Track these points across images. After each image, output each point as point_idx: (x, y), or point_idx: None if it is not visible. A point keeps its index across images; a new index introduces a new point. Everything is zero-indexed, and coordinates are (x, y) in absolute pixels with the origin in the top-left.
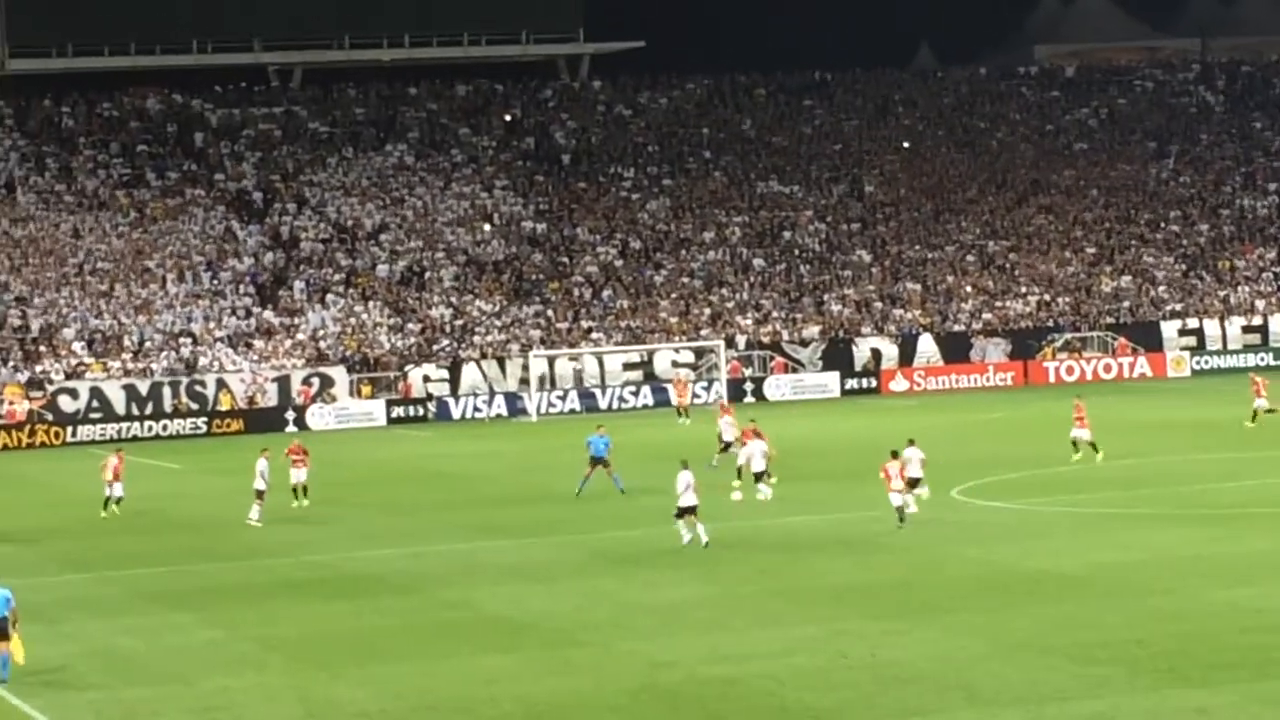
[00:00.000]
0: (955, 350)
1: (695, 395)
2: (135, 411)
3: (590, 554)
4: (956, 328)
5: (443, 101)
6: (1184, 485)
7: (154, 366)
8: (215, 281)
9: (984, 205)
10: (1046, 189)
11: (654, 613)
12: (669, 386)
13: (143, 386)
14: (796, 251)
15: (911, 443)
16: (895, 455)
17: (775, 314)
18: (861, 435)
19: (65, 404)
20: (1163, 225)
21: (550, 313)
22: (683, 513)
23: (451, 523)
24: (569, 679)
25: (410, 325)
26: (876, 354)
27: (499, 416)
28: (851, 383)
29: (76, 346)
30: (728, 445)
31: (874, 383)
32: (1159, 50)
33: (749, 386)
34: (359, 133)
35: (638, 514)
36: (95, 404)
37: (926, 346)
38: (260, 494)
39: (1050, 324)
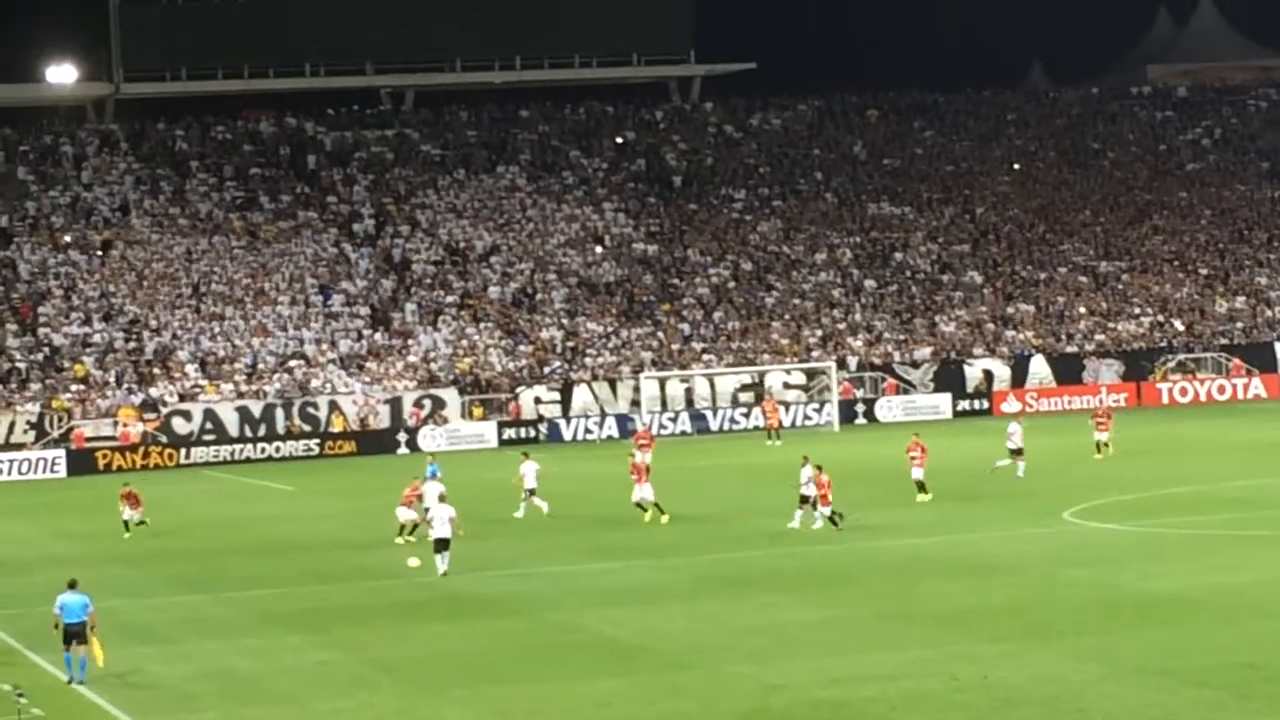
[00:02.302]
0: (1068, 371)
1: (807, 417)
2: (248, 433)
3: (700, 576)
4: (1069, 349)
5: (554, 123)
6: None
7: (267, 388)
8: (328, 304)
9: (1097, 226)
10: (1159, 209)
11: (765, 635)
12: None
13: (255, 408)
14: (908, 272)
15: (806, 460)
16: (820, 469)
17: (887, 335)
18: (974, 457)
19: (179, 426)
20: (1277, 245)
21: (661, 334)
22: (439, 546)
23: (562, 545)
24: (679, 702)
25: (522, 347)
26: (989, 375)
27: (610, 438)
28: (963, 404)
29: (190, 369)
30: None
31: (986, 404)
32: (1273, 69)
33: (860, 408)
34: (471, 155)
35: (748, 536)
36: (209, 426)
37: (1039, 368)
38: (407, 527)
39: (1164, 345)
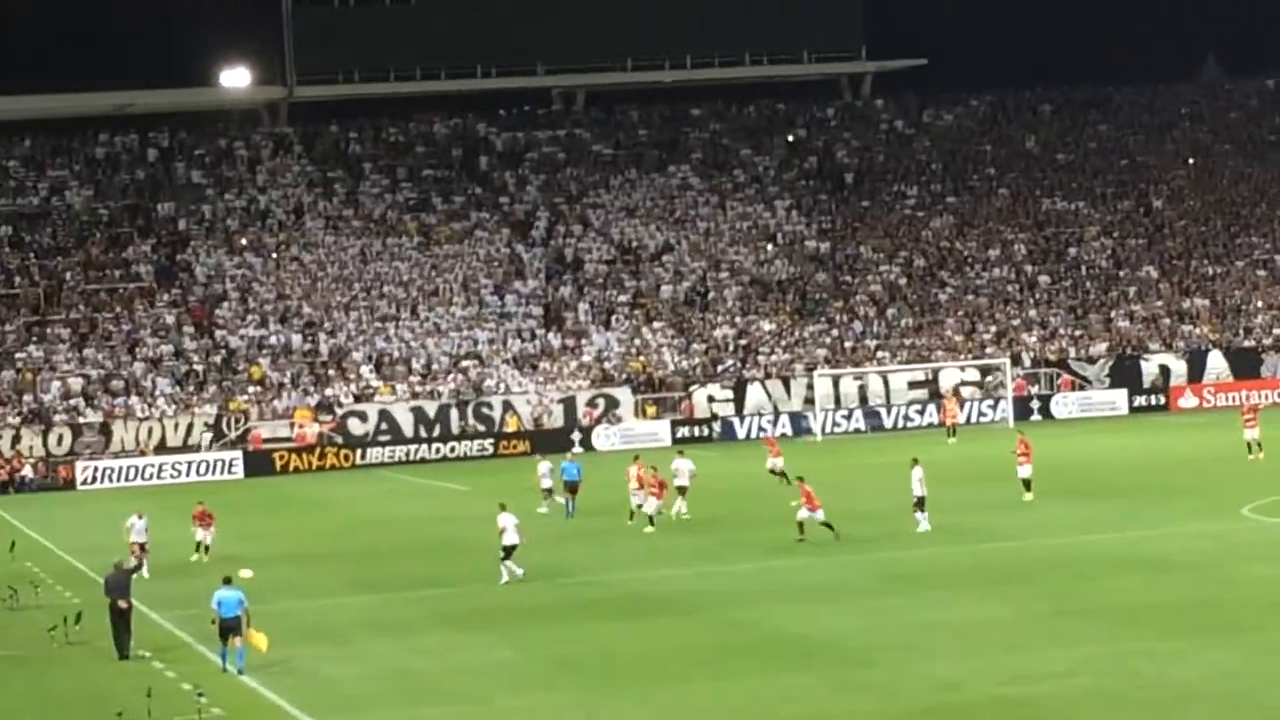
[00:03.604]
0: (1245, 366)
1: (981, 414)
2: (423, 433)
3: (879, 573)
4: (1246, 343)
5: (725, 122)
6: None
7: (441, 389)
8: (501, 304)
9: (1274, 219)
10: None
11: (944, 633)
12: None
13: (430, 409)
14: (1082, 268)
15: (916, 462)
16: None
17: (1061, 331)
18: (1151, 453)
19: (354, 426)
20: None
21: (835, 332)
22: (509, 553)
23: (738, 542)
24: (860, 699)
25: (694, 345)
26: (1165, 370)
27: (784, 436)
28: (1140, 400)
29: (365, 370)
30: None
31: (1163, 400)
32: None
33: (1035, 404)
34: (642, 154)
35: (924, 533)
36: (384, 426)
37: (1216, 363)
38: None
39: None
